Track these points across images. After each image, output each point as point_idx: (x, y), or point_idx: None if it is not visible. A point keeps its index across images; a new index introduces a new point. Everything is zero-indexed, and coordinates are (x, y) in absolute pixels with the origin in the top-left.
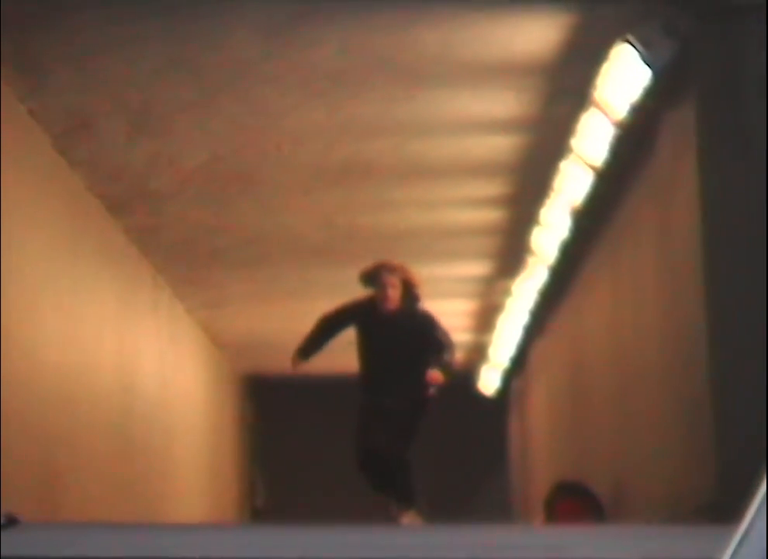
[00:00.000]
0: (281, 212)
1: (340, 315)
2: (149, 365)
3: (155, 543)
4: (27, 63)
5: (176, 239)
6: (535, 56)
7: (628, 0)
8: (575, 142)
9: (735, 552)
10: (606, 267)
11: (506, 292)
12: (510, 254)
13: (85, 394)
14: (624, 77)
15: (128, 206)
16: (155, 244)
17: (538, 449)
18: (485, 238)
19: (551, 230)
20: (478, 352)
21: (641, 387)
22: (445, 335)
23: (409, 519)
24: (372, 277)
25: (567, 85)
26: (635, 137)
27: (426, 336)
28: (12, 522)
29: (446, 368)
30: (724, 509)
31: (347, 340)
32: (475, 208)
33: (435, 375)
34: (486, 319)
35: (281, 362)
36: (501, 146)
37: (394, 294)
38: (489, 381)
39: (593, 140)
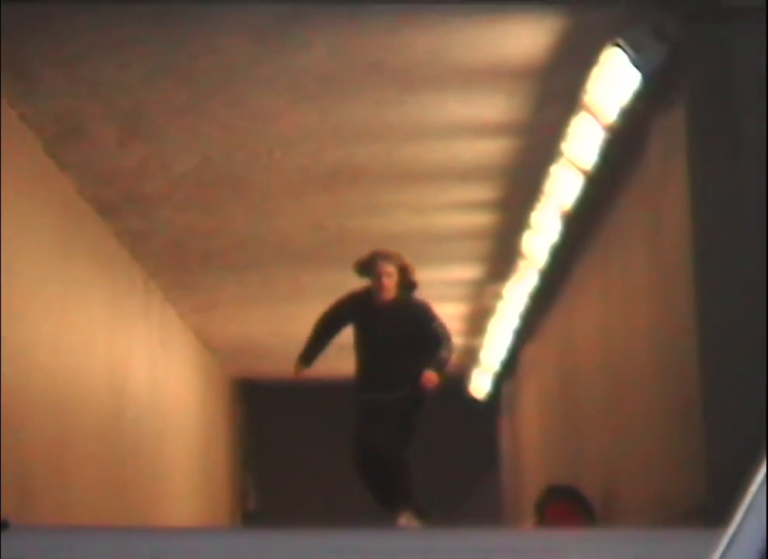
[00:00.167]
0: (272, 216)
1: (336, 314)
2: (140, 368)
3: (146, 547)
4: (18, 67)
5: (167, 243)
6: (525, 60)
7: (618, 4)
8: (565, 146)
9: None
10: (596, 270)
11: (497, 295)
12: (501, 257)
13: (76, 397)
14: (614, 80)
15: (119, 210)
16: (146, 247)
17: (529, 453)
18: (475, 242)
19: (541, 234)
20: (469, 356)
21: (631, 390)
22: (442, 327)
23: (405, 519)
24: (367, 266)
25: (557, 88)
26: (625, 141)
27: (423, 328)
28: (3, 525)
29: (442, 365)
30: (714, 512)
31: (338, 344)
32: (466, 212)
33: (431, 377)
34: (476, 323)
35: (272, 365)
36: (492, 150)
37: (390, 283)
38: (480, 385)
39: (583, 143)
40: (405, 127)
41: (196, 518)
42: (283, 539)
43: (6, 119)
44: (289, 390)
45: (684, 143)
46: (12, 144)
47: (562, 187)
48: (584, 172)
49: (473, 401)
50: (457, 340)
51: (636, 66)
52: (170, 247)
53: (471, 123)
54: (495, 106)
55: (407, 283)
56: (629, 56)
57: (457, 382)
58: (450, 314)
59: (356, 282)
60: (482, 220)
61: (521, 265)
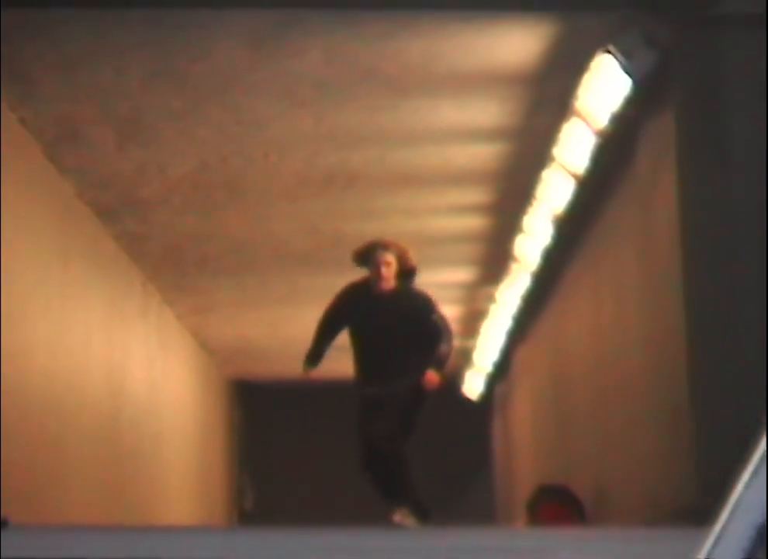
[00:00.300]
0: (267, 219)
1: (336, 310)
2: (138, 370)
3: (144, 546)
4: (18, 72)
5: (165, 246)
6: (517, 66)
7: (609, 11)
8: (557, 151)
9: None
10: (587, 273)
11: (490, 298)
12: (494, 261)
13: (75, 398)
14: (604, 86)
15: (118, 213)
16: (144, 250)
17: (521, 453)
18: (469, 245)
19: (533, 238)
20: (462, 357)
21: (622, 391)
22: (442, 319)
23: (399, 517)
24: (365, 256)
25: (549, 94)
26: (616, 146)
27: (422, 320)
28: (2, 524)
29: (442, 363)
30: (702, 512)
31: (334, 345)
32: (459, 216)
33: (432, 377)
34: (470, 325)
35: (268, 367)
36: (484, 155)
37: (389, 273)
38: (473, 385)
39: (574, 148)
40: (399, 132)
41: (193, 517)
42: (279, 538)
43: (6, 123)
44: (285, 391)
45: (674, 147)
46: (11, 147)
47: (554, 191)
48: (575, 177)
49: (467, 401)
50: None
51: (626, 72)
52: (167, 249)
53: (464, 128)
54: (488, 112)
55: (407, 270)
56: (620, 62)
57: (450, 383)
58: None
59: None
60: (476, 223)
61: (514, 268)
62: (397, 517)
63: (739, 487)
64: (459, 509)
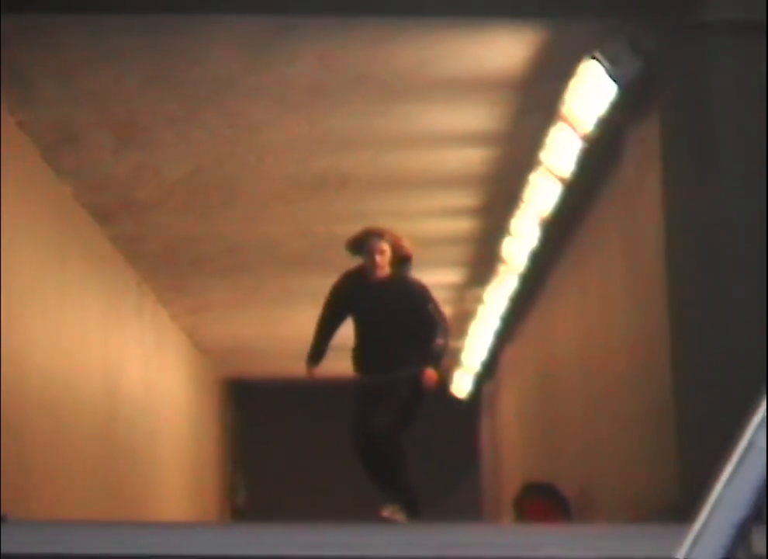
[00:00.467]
0: (261, 222)
1: (334, 304)
2: (134, 369)
3: (140, 541)
4: (17, 76)
5: (160, 247)
6: (506, 72)
7: (595, 18)
8: (544, 155)
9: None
10: (574, 275)
11: (478, 299)
12: (482, 262)
13: (71, 397)
14: (591, 92)
15: (114, 216)
16: (140, 252)
17: (509, 451)
18: (457, 247)
19: (521, 240)
20: (451, 357)
21: (607, 391)
22: (437, 310)
23: (388, 512)
24: (360, 244)
25: (536, 99)
26: (602, 150)
27: (418, 309)
28: (1, 520)
29: (439, 358)
30: (685, 510)
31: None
32: (448, 218)
33: (431, 375)
34: (458, 325)
35: (262, 366)
36: (473, 158)
37: (383, 261)
38: (461, 385)
39: (561, 152)
40: (390, 136)
41: (187, 514)
42: (270, 534)
43: (5, 126)
44: (278, 391)
45: (658, 152)
46: (10, 150)
47: (541, 194)
48: (562, 180)
49: (455, 400)
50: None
51: (612, 78)
52: (163, 251)
53: (453, 132)
54: (477, 116)
55: (401, 257)
56: (605, 68)
57: (439, 382)
58: None
59: None
60: (464, 226)
61: (502, 269)
62: (386, 512)
63: (719, 486)
64: (448, 506)
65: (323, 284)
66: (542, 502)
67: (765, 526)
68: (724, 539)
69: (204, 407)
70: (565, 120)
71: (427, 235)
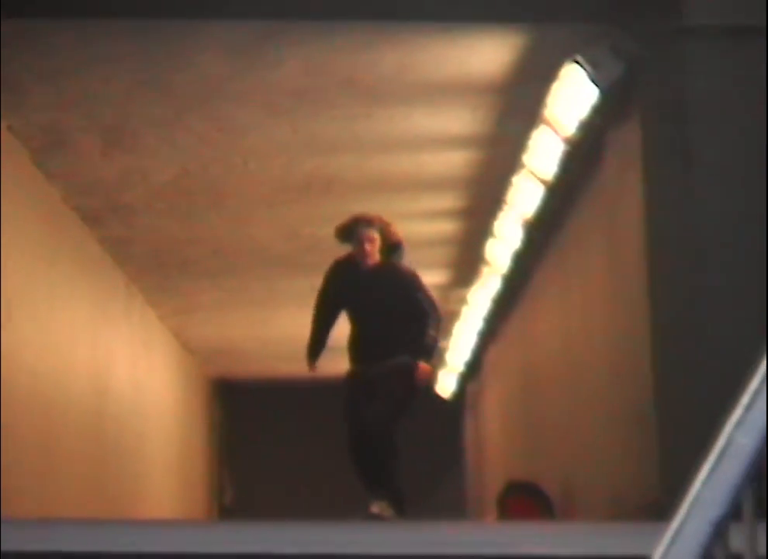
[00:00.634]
0: (247, 224)
1: (327, 295)
2: (122, 369)
3: (128, 539)
4: (7, 81)
5: (148, 249)
6: (489, 76)
7: (577, 23)
8: (526, 158)
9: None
10: (556, 276)
11: (462, 300)
12: (466, 264)
13: (60, 397)
14: (572, 95)
15: (102, 218)
16: (128, 253)
17: (492, 450)
18: (441, 249)
19: (504, 242)
20: (435, 357)
21: (589, 392)
22: (429, 299)
23: (377, 508)
24: (348, 232)
25: (519, 103)
26: (583, 153)
27: (408, 298)
28: None
29: (431, 350)
30: (665, 507)
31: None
32: (432, 220)
33: (425, 369)
34: (442, 326)
35: (248, 366)
36: (456, 161)
37: (372, 248)
38: (446, 384)
39: (543, 155)
40: (374, 140)
41: (175, 511)
42: (256, 532)
43: None
44: (264, 390)
45: (639, 155)
46: (1, 154)
47: (524, 197)
48: (544, 183)
49: (439, 400)
50: None
51: (594, 82)
52: (150, 253)
53: (437, 135)
54: (460, 120)
55: (391, 244)
56: (587, 72)
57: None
58: None
59: None
60: (448, 228)
61: (485, 271)
62: (375, 508)
63: (696, 485)
64: (432, 504)
65: (308, 286)
66: (525, 500)
67: (742, 525)
68: (701, 537)
69: (191, 407)
70: (547, 124)
71: (412, 237)
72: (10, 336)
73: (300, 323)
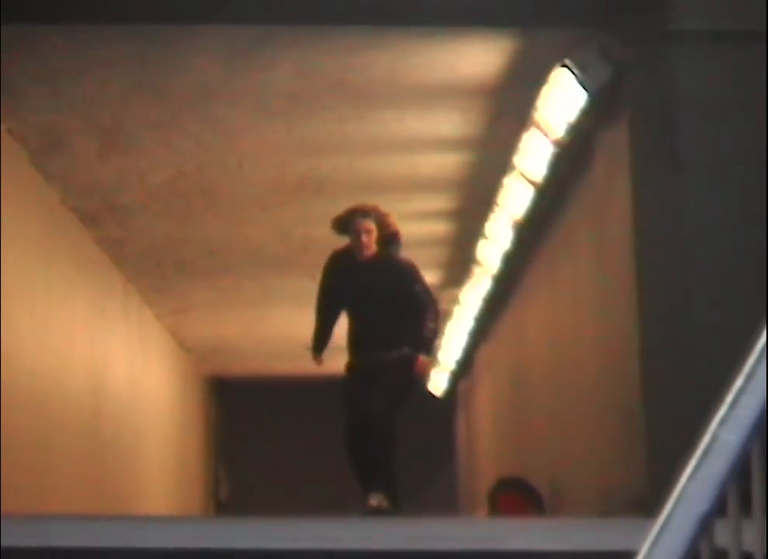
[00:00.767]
0: (241, 225)
1: (328, 287)
2: (119, 368)
3: (125, 535)
4: (5, 85)
5: (144, 249)
6: (479, 79)
7: (566, 27)
8: (517, 159)
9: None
10: (546, 277)
11: (454, 300)
12: (457, 264)
13: (58, 395)
14: (562, 98)
15: (99, 219)
16: (125, 254)
17: (483, 447)
18: (433, 250)
19: (495, 242)
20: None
21: (578, 390)
22: (427, 291)
23: (375, 501)
24: (345, 224)
25: (509, 106)
26: (572, 155)
27: (406, 290)
28: None
29: (430, 344)
30: (652, 503)
31: (306, 344)
32: (424, 221)
33: (422, 362)
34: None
35: (243, 364)
36: (448, 163)
37: (369, 240)
38: (438, 383)
39: (533, 157)
40: (366, 141)
41: (171, 507)
42: (252, 527)
43: None
44: (259, 388)
45: (627, 157)
46: (0, 156)
47: (514, 198)
48: (534, 184)
49: (431, 397)
50: None
51: (582, 85)
52: (147, 253)
53: (428, 137)
54: (451, 122)
55: (388, 235)
56: (576, 75)
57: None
58: None
59: None
60: (439, 229)
61: (476, 271)
62: (374, 501)
63: (683, 480)
64: (425, 500)
65: (301, 285)
66: (516, 496)
67: (727, 520)
68: (687, 532)
69: (188, 404)
70: (537, 126)
71: (404, 238)
72: (8, 335)
73: (294, 322)
